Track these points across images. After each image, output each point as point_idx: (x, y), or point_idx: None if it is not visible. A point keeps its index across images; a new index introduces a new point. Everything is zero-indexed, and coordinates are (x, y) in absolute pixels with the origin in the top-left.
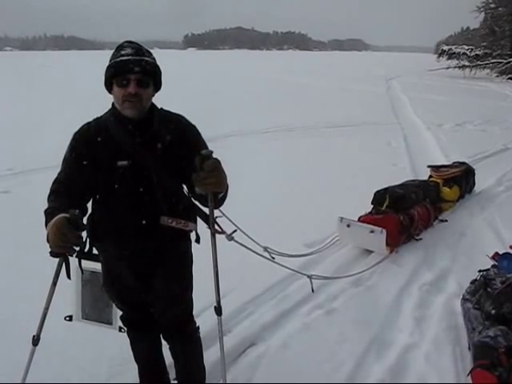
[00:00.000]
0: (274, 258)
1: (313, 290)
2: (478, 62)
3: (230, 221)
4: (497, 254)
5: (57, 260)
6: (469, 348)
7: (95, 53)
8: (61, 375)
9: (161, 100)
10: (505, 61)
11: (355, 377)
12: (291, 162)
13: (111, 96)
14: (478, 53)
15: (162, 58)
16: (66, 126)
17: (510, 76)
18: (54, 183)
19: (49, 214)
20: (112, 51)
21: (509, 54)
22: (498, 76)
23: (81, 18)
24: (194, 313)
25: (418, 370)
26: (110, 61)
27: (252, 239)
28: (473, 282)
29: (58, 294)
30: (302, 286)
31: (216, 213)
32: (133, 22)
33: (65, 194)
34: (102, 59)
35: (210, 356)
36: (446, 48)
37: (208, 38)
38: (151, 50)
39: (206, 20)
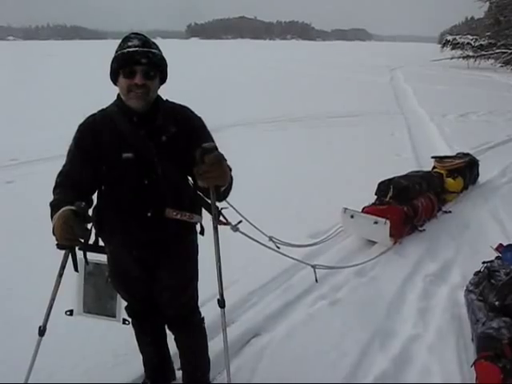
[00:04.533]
0: (279, 247)
1: (317, 280)
2: (483, 52)
3: (237, 211)
4: (501, 245)
5: (62, 252)
6: (472, 339)
7: (98, 42)
8: (66, 365)
9: (164, 90)
10: (509, 51)
11: (359, 367)
12: (295, 152)
13: (116, 88)
14: (482, 43)
15: (165, 48)
16: (70, 116)
17: None
18: (59, 175)
19: (54, 207)
20: (115, 40)
21: None
22: (502, 66)
23: (83, 7)
24: (198, 303)
25: (422, 360)
26: (117, 52)
27: (258, 229)
28: (476, 273)
29: (64, 286)
30: (305, 277)
31: (222, 204)
32: (135, 12)
33: (70, 186)
34: (105, 49)
35: (214, 346)
36: (450, 38)
37: (211, 28)
38: (154, 40)
39: (208, 9)
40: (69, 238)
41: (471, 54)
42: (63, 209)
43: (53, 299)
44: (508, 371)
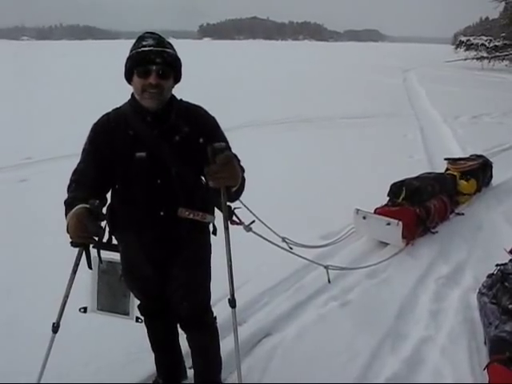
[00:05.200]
0: (291, 248)
1: (329, 281)
2: (497, 53)
3: (250, 211)
4: None
5: (75, 250)
6: (485, 342)
7: (111, 42)
8: (78, 362)
9: (178, 90)
10: None
11: (370, 369)
12: (306, 153)
13: (130, 87)
14: (496, 44)
15: (178, 48)
16: (84, 115)
17: None
18: (73, 174)
19: (69, 205)
20: (128, 41)
21: None
22: None
23: (96, 7)
24: (211, 303)
25: (433, 362)
26: (131, 51)
27: (271, 229)
28: (490, 276)
29: (77, 284)
30: (317, 278)
31: (236, 203)
32: (148, 12)
33: (84, 185)
34: (119, 48)
35: (226, 346)
36: (463, 39)
37: (223, 28)
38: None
39: (221, 10)
40: (83, 236)
41: (485, 55)
42: (77, 207)
43: (66, 296)
44: None
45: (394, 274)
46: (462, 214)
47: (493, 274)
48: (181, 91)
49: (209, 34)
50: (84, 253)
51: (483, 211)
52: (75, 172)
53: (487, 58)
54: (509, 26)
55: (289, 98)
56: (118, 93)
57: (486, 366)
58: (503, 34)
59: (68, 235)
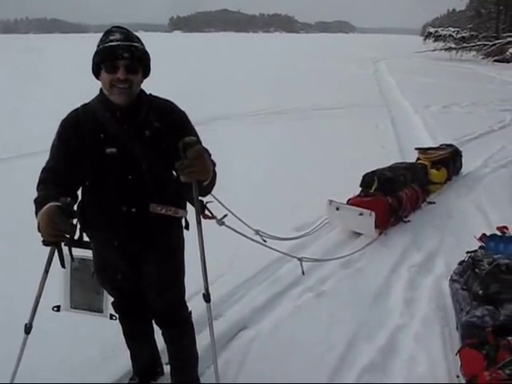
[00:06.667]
0: (265, 241)
1: (303, 273)
2: (464, 45)
3: (223, 205)
4: (484, 235)
5: (47, 249)
6: (457, 328)
7: (80, 36)
8: (53, 361)
9: (148, 84)
10: (490, 43)
11: (346, 358)
12: (279, 145)
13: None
14: (464, 35)
15: (148, 41)
16: (56, 111)
17: (495, 58)
18: (42, 172)
19: (39, 203)
20: (97, 34)
21: (494, 36)
22: (483, 58)
23: (64, 0)
24: (185, 298)
25: (408, 350)
26: (98, 46)
27: (244, 223)
28: (461, 263)
29: (50, 283)
30: (292, 269)
31: (208, 197)
32: (117, 5)
33: (54, 182)
34: (89, 42)
35: (202, 340)
36: (432, 30)
37: (194, 21)
38: (136, 33)
39: (191, 2)
40: (54, 234)
41: (453, 46)
42: (48, 205)
43: (39, 296)
44: (491, 358)
45: (368, 264)
46: (434, 202)
47: (464, 260)
48: (151, 85)
49: (179, 27)
50: (56, 251)
51: (454, 199)
52: (44, 170)
53: (455, 48)
54: (475, 17)
55: (261, 90)
56: (88, 88)
57: (458, 350)
58: (470, 26)
59: (39, 234)
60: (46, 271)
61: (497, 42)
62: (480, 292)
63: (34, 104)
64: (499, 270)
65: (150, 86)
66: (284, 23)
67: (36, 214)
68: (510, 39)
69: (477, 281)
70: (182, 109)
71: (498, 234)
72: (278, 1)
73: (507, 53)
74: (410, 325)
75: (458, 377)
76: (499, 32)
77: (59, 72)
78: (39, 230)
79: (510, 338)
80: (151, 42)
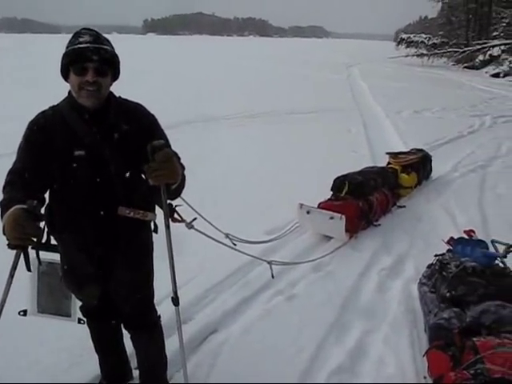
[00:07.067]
0: (235, 244)
1: (273, 276)
2: (436, 51)
3: (192, 208)
4: (452, 238)
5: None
6: (425, 330)
7: (52, 36)
8: (20, 366)
9: (119, 87)
10: (461, 50)
11: (315, 361)
12: (254, 148)
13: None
14: (435, 41)
15: (120, 43)
16: (24, 112)
17: (465, 65)
18: (8, 174)
19: (4, 206)
20: (68, 35)
21: (465, 43)
22: (454, 64)
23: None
24: (154, 301)
25: (377, 352)
26: (67, 48)
27: (214, 226)
28: (429, 266)
29: (15, 287)
30: (262, 273)
31: (178, 201)
32: (91, 6)
33: (21, 185)
34: (61, 43)
35: (172, 344)
36: (404, 36)
37: (168, 24)
38: (110, 35)
39: (165, 5)
40: (20, 238)
41: (425, 52)
42: (14, 207)
43: (4, 300)
44: (457, 359)
45: (338, 267)
46: (404, 206)
47: (432, 264)
48: (121, 88)
49: (153, 30)
50: (22, 255)
51: (423, 203)
52: (10, 172)
53: (427, 54)
54: (446, 24)
55: (234, 93)
56: (59, 90)
57: (426, 352)
58: (441, 33)
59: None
60: (12, 275)
61: (466, 49)
62: (447, 294)
63: None
64: (466, 272)
65: (121, 88)
66: (258, 27)
67: (1, 216)
68: (479, 47)
69: (444, 283)
70: (153, 112)
71: (466, 237)
72: (252, 5)
73: (476, 60)
74: (380, 327)
75: (425, 378)
76: (469, 40)
77: (27, 72)
78: (4, 233)
79: (475, 339)
80: (123, 43)
